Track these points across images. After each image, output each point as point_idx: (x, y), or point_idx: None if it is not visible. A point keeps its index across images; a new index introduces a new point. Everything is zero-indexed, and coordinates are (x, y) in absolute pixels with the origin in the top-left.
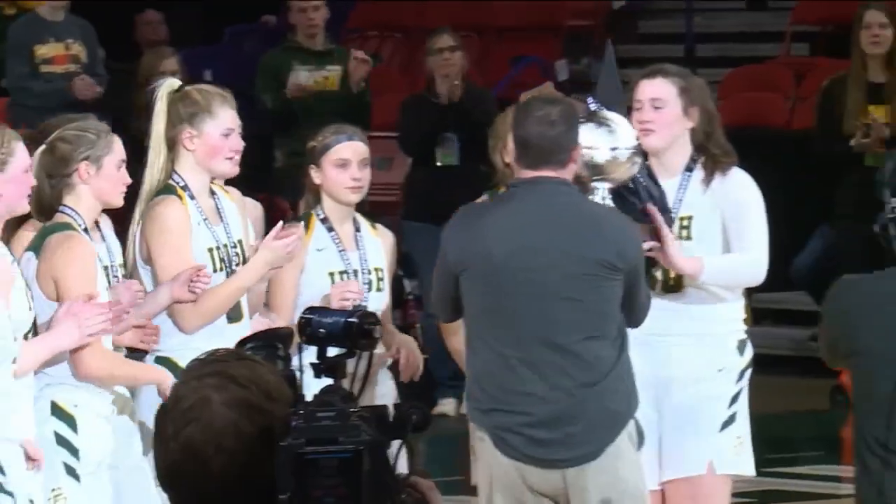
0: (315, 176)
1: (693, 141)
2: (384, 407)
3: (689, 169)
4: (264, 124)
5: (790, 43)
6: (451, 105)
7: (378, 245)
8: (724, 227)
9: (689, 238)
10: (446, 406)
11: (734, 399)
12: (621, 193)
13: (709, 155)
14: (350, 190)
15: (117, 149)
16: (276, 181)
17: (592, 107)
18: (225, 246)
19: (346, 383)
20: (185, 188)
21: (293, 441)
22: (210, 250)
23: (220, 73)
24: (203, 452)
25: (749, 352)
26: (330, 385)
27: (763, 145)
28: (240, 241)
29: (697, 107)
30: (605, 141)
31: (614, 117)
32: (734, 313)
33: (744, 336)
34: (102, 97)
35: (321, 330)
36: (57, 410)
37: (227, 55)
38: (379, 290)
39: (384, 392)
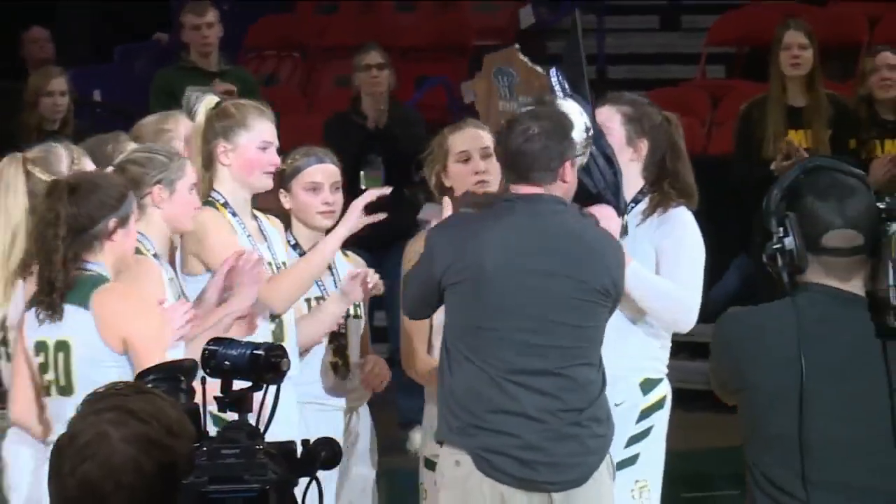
0: (284, 200)
1: (646, 175)
2: (292, 443)
3: (635, 201)
4: None
5: (705, 65)
6: (376, 125)
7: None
8: (658, 266)
9: None
10: None
11: (634, 439)
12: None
13: (662, 191)
14: (322, 215)
15: (189, 172)
16: None
17: (554, 80)
18: (270, 264)
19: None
20: (225, 205)
21: (196, 479)
22: None
23: (111, 93)
24: (101, 490)
25: (659, 393)
26: (235, 421)
27: None
28: (284, 263)
29: (647, 139)
30: None
31: (566, 107)
32: (646, 351)
33: (656, 376)
34: None
35: (226, 362)
36: None
37: (118, 74)
38: (356, 316)
39: (365, 426)
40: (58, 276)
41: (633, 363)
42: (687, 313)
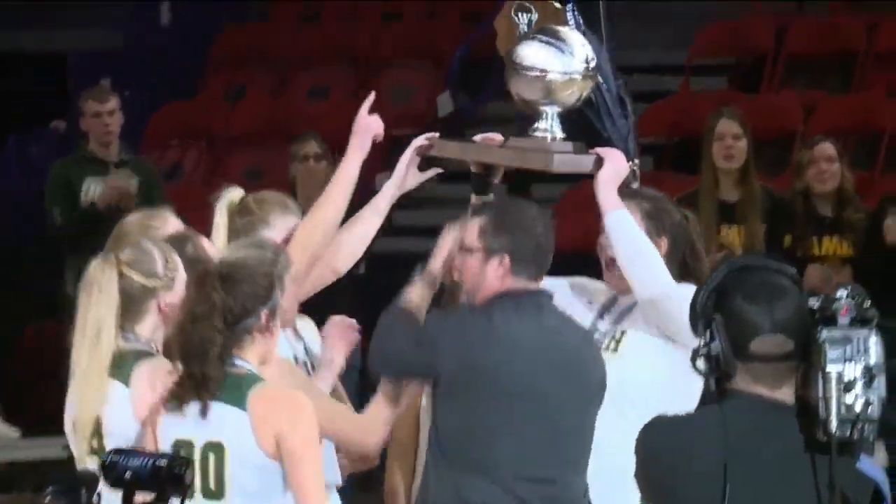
0: None
1: None
2: None
3: None
4: (53, 242)
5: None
6: None
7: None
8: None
9: (615, 350)
10: None
11: None
12: (584, 115)
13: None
14: None
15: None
16: (66, 308)
17: (570, 14)
18: (305, 364)
19: None
20: None
21: None
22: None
23: (4, 183)
24: None
25: None
26: None
27: None
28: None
29: (667, 237)
30: (555, 63)
31: (567, 36)
32: None
33: None
34: None
35: (127, 473)
36: None
37: (12, 164)
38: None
39: None
40: (212, 373)
41: None
42: (655, 278)
